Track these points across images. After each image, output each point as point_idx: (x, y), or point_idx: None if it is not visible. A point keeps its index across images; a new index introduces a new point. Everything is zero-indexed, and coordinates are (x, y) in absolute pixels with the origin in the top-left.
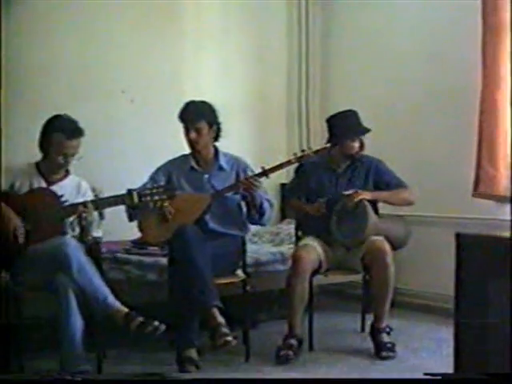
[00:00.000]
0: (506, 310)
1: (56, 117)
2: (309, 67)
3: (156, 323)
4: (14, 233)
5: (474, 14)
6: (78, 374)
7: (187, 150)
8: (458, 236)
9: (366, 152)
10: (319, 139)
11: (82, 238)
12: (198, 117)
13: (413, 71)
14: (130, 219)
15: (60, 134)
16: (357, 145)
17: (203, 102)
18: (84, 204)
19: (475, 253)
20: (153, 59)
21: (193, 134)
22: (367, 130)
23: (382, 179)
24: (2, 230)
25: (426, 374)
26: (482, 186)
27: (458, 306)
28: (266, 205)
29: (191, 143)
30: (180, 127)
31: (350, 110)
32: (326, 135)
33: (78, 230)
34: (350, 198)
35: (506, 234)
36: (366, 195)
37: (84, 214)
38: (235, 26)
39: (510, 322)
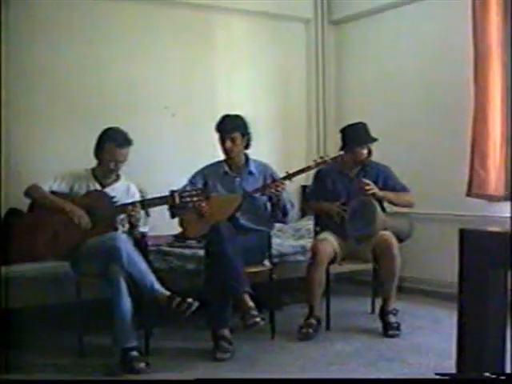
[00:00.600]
0: (503, 296)
1: (108, 129)
2: (325, 84)
3: (190, 300)
4: (80, 220)
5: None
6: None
7: (221, 157)
8: (461, 231)
9: (375, 156)
10: (334, 147)
11: (130, 232)
12: (233, 128)
13: (414, 85)
14: (172, 216)
15: (112, 144)
16: (365, 151)
17: (237, 116)
18: (133, 204)
19: (476, 246)
20: (190, 79)
21: (228, 144)
22: (374, 140)
23: (388, 184)
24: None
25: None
26: (474, 186)
27: (461, 292)
28: (288, 206)
29: (226, 151)
30: (214, 137)
31: (360, 122)
32: (340, 144)
33: (127, 226)
34: (360, 184)
35: (502, 228)
36: (375, 190)
37: (132, 213)
38: (261, 48)
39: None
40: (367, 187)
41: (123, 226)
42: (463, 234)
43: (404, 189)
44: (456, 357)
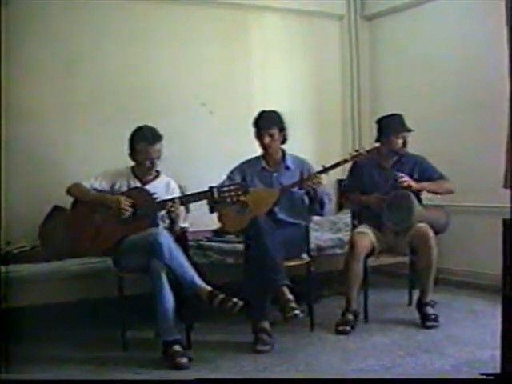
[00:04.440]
0: None
1: (138, 129)
2: (359, 79)
3: (235, 300)
4: (123, 208)
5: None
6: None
7: (258, 153)
8: (504, 221)
9: (413, 150)
10: (369, 141)
11: (171, 228)
12: (271, 124)
13: (449, 79)
14: (211, 211)
15: (143, 143)
16: (400, 141)
17: (274, 111)
18: (173, 200)
19: None
20: (227, 76)
21: (267, 139)
22: (409, 130)
23: (425, 174)
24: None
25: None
26: (511, 178)
27: (505, 283)
28: (326, 199)
29: (264, 147)
30: (251, 133)
31: (396, 114)
32: (376, 135)
33: (168, 221)
34: (399, 181)
35: None
36: (412, 184)
37: (172, 209)
38: (296, 45)
39: None
40: (402, 180)
41: (164, 221)
42: (507, 223)
43: (441, 177)
44: (501, 351)
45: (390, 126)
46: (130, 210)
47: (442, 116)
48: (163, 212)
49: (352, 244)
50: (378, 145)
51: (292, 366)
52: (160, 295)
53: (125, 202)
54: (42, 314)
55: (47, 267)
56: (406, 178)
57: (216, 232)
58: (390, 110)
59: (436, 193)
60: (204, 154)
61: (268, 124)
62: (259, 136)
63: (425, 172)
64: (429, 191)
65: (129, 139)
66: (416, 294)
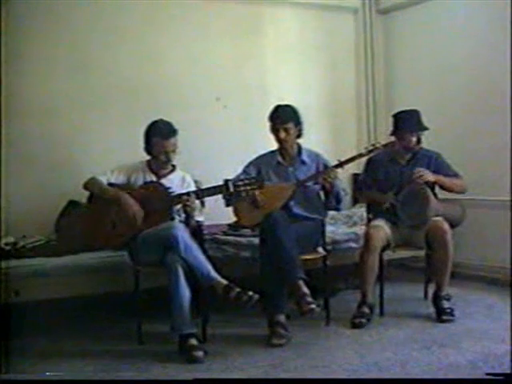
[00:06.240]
0: None
1: (153, 123)
2: (374, 73)
3: (250, 293)
4: (135, 216)
5: None
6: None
7: (273, 147)
8: None
9: (427, 142)
10: (384, 135)
11: (187, 222)
12: (287, 118)
13: (465, 74)
14: (227, 205)
15: (158, 137)
16: (414, 139)
17: (289, 106)
18: (188, 194)
19: None
20: (241, 71)
21: (282, 134)
22: (425, 128)
23: (440, 171)
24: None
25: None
26: None
27: None
28: (342, 193)
29: (280, 141)
30: (266, 127)
31: (414, 110)
32: (391, 129)
33: (183, 215)
34: (416, 175)
35: None
36: (429, 176)
37: (188, 203)
38: (310, 39)
39: None
40: (420, 174)
41: (179, 215)
42: None
43: (456, 175)
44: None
45: (406, 123)
46: (142, 215)
47: (456, 109)
48: (179, 206)
49: (367, 238)
50: (393, 139)
51: (308, 360)
52: (176, 289)
53: (136, 208)
54: (58, 308)
55: (62, 261)
56: (423, 172)
57: (231, 226)
58: (404, 104)
59: (449, 190)
60: (219, 148)
61: (284, 119)
62: (275, 130)
63: (440, 168)
64: (442, 187)
65: (144, 133)
66: (432, 288)
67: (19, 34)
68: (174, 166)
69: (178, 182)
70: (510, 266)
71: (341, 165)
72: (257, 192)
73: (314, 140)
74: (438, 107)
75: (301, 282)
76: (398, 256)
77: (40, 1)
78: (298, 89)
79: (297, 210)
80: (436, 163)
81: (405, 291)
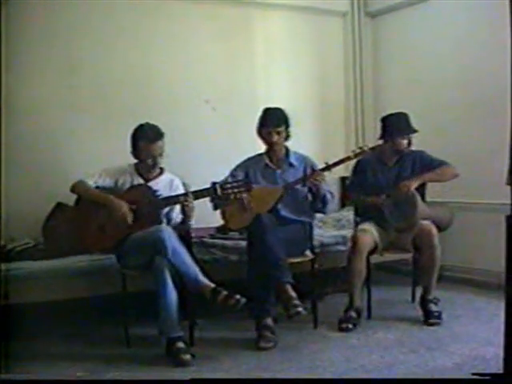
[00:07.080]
0: None
1: (139, 127)
2: (363, 76)
3: (238, 297)
4: (125, 218)
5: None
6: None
7: (261, 150)
8: (508, 218)
9: (416, 146)
10: (372, 138)
11: (184, 223)
12: (280, 121)
13: (453, 77)
14: (215, 208)
15: (144, 141)
16: (405, 142)
17: (279, 109)
18: (186, 195)
19: None
20: (230, 73)
21: (275, 137)
22: (415, 131)
23: (425, 165)
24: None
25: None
26: None
27: (509, 279)
28: (328, 196)
29: (270, 144)
30: (255, 130)
31: (402, 112)
32: (380, 132)
33: (181, 216)
34: (400, 189)
35: None
36: (413, 184)
37: (186, 203)
38: (299, 42)
39: None
40: (405, 189)
41: (167, 219)
42: (510, 220)
43: (442, 163)
44: (504, 350)
45: (396, 127)
46: (131, 215)
47: (445, 112)
48: (167, 209)
49: (354, 241)
50: (381, 142)
51: (295, 364)
52: (163, 292)
53: (126, 209)
54: (46, 311)
55: (50, 264)
56: (407, 184)
57: (219, 229)
58: (393, 107)
59: (442, 181)
60: (207, 150)
61: (276, 122)
62: (266, 133)
63: (425, 164)
64: (431, 180)
65: (130, 137)
66: (419, 291)
67: (11, 35)
68: (162, 169)
69: (165, 185)
70: (505, 270)
71: (328, 168)
72: (244, 195)
73: (302, 142)
74: (426, 111)
75: (288, 286)
76: (386, 259)
77: (34, 2)
78: (287, 91)
79: (285, 212)
80: (420, 159)
81: (392, 294)
